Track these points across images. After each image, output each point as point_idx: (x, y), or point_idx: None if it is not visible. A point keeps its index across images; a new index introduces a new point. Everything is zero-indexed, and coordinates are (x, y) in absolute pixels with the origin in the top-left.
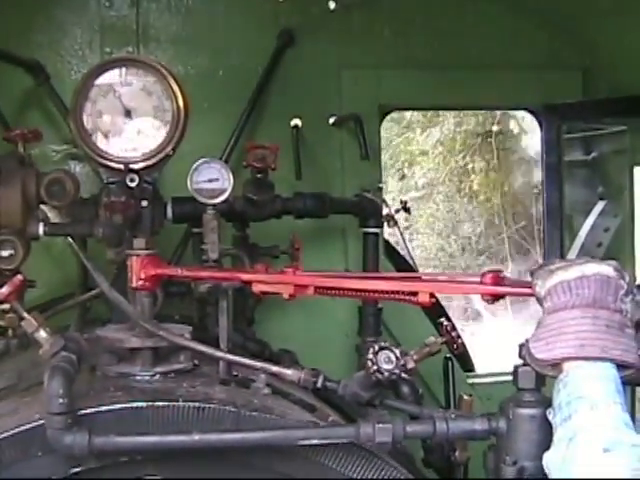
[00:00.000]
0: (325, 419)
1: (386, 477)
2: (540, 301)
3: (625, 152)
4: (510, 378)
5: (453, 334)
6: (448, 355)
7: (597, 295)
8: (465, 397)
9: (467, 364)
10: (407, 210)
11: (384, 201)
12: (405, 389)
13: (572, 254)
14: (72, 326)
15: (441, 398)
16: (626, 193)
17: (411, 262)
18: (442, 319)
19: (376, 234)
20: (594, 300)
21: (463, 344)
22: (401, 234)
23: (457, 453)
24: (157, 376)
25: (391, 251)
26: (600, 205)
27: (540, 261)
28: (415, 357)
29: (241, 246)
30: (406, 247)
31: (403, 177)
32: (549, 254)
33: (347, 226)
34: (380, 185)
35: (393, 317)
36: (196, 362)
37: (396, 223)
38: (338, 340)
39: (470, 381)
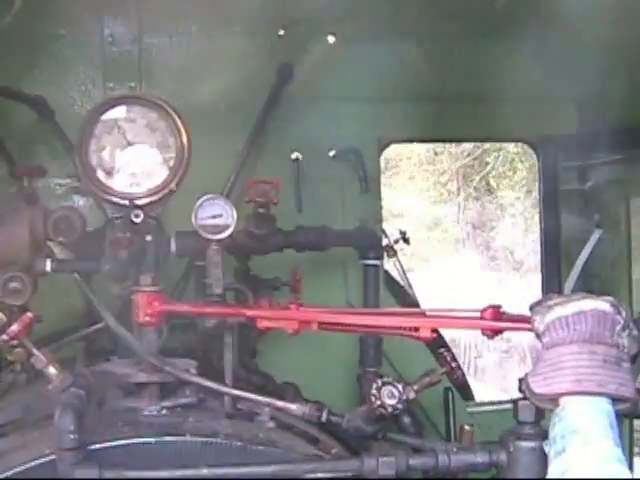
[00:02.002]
0: (328, 451)
1: None
2: (539, 336)
3: (622, 181)
4: (510, 407)
5: (453, 365)
6: (448, 385)
7: (594, 330)
8: (466, 428)
9: (466, 393)
10: (406, 240)
11: (383, 232)
12: (406, 420)
13: (569, 283)
14: (78, 359)
15: (442, 428)
16: (622, 223)
17: (411, 292)
18: (442, 349)
19: (376, 266)
20: (591, 335)
21: (463, 374)
22: (401, 265)
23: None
24: (164, 410)
25: (391, 282)
26: (597, 234)
27: None
28: (415, 387)
29: (242, 278)
30: (405, 278)
31: None
32: (547, 283)
33: (347, 258)
34: (380, 217)
35: (394, 347)
36: (202, 396)
37: (396, 253)
38: (338, 369)
39: (470, 410)
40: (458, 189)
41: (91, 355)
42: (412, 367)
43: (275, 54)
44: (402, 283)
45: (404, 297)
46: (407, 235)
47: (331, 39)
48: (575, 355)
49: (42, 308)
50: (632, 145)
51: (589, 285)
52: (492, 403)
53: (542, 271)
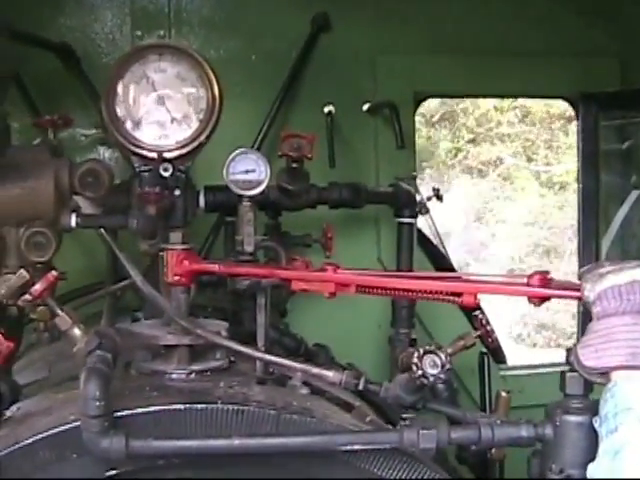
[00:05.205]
0: (363, 418)
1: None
2: (588, 305)
3: None
4: (542, 371)
5: (488, 328)
6: (484, 350)
7: None
8: (503, 394)
9: (499, 356)
10: (439, 198)
11: (417, 189)
12: (440, 385)
13: (605, 244)
14: (104, 317)
15: (474, 392)
16: None
17: (444, 251)
18: (477, 312)
19: (411, 224)
20: None
21: (497, 338)
22: (433, 223)
23: (493, 450)
24: (193, 375)
25: (424, 240)
26: (634, 195)
27: None
28: (450, 350)
29: (273, 235)
30: (438, 236)
31: None
32: (584, 243)
33: (380, 215)
34: (414, 173)
35: (426, 309)
36: (232, 359)
37: (428, 211)
38: (370, 330)
39: (502, 373)
40: None
41: (116, 312)
42: (444, 329)
43: (310, 3)
44: (435, 241)
45: (437, 256)
46: (440, 192)
47: None
48: (629, 327)
49: (65, 262)
50: None
51: (627, 246)
52: (525, 367)
53: (579, 231)
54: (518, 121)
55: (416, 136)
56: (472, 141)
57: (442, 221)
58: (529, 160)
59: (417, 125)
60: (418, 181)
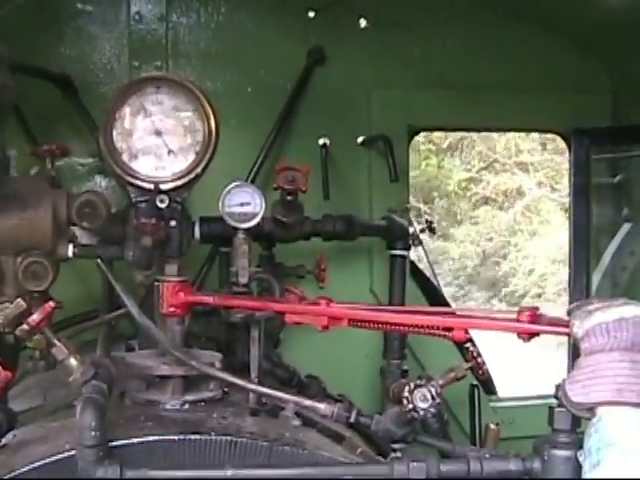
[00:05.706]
0: (354, 450)
1: None
2: (577, 341)
3: None
4: (532, 402)
5: (479, 360)
6: (475, 382)
7: (636, 339)
8: (492, 427)
9: (489, 388)
10: (432, 230)
11: (410, 221)
12: (431, 417)
13: (596, 277)
14: (99, 346)
15: (464, 423)
16: None
17: (436, 283)
18: (468, 344)
19: (403, 256)
20: (632, 344)
21: (488, 370)
22: (426, 254)
23: None
24: (187, 405)
25: (417, 272)
26: (625, 227)
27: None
28: (441, 382)
29: (267, 265)
30: (431, 267)
31: None
32: (575, 276)
33: (373, 247)
34: (407, 206)
35: (417, 340)
36: (226, 390)
37: (421, 243)
38: (361, 361)
39: (492, 405)
40: None
41: (111, 340)
42: (435, 360)
43: (306, 37)
44: (427, 274)
45: (429, 287)
46: (433, 224)
47: (363, 23)
48: (615, 363)
49: (61, 290)
50: None
51: (617, 279)
52: (515, 398)
53: (570, 264)
54: (541, 149)
55: (424, 164)
56: (485, 168)
57: (456, 254)
58: (553, 190)
59: (426, 153)
60: (428, 211)
